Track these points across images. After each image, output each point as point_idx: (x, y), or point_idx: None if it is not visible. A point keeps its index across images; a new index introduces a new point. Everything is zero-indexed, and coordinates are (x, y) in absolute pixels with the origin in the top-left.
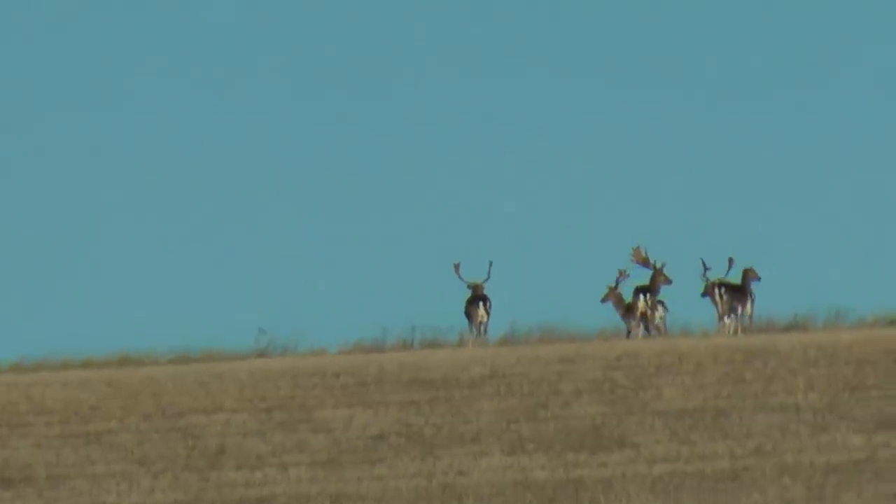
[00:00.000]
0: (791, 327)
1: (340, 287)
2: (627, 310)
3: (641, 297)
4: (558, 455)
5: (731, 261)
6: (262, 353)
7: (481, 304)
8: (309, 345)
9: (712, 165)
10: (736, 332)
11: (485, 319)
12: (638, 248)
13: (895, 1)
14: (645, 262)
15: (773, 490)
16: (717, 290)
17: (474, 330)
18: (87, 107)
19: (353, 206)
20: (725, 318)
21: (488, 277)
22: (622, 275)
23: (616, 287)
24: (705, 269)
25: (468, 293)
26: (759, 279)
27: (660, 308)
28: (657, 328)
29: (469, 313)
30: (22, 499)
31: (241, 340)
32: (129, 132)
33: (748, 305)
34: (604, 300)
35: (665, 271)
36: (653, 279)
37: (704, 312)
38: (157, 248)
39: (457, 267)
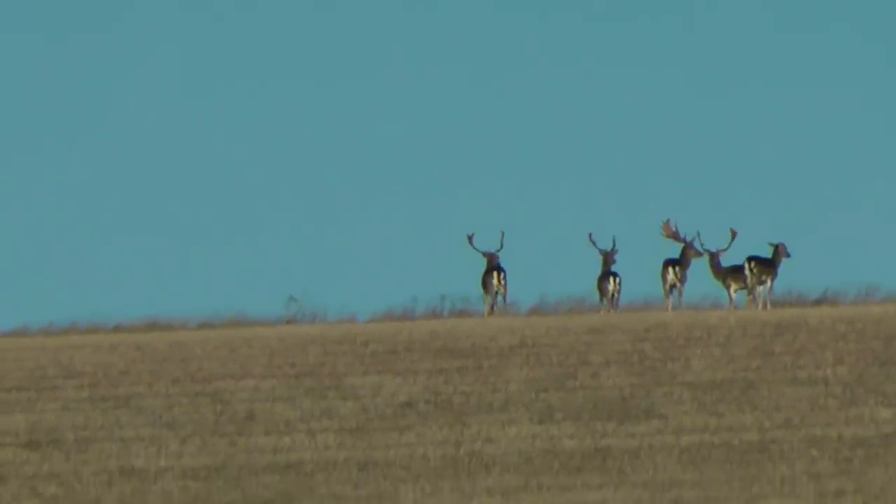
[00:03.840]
0: (821, 301)
1: (371, 255)
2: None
3: (671, 269)
4: (586, 425)
5: (733, 232)
6: (291, 320)
7: (496, 274)
8: (338, 312)
9: (742, 140)
10: (765, 305)
11: (501, 290)
12: (667, 221)
13: None
14: (674, 236)
15: (800, 463)
16: (748, 264)
17: (490, 300)
18: (120, 69)
19: (386, 175)
20: (754, 291)
21: (501, 247)
22: (590, 239)
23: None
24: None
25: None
26: (789, 256)
27: (616, 280)
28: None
29: (485, 283)
30: (49, 462)
31: (271, 307)
32: (159, 98)
33: (774, 280)
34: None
35: (695, 245)
36: (683, 252)
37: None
38: (189, 214)
39: (470, 238)
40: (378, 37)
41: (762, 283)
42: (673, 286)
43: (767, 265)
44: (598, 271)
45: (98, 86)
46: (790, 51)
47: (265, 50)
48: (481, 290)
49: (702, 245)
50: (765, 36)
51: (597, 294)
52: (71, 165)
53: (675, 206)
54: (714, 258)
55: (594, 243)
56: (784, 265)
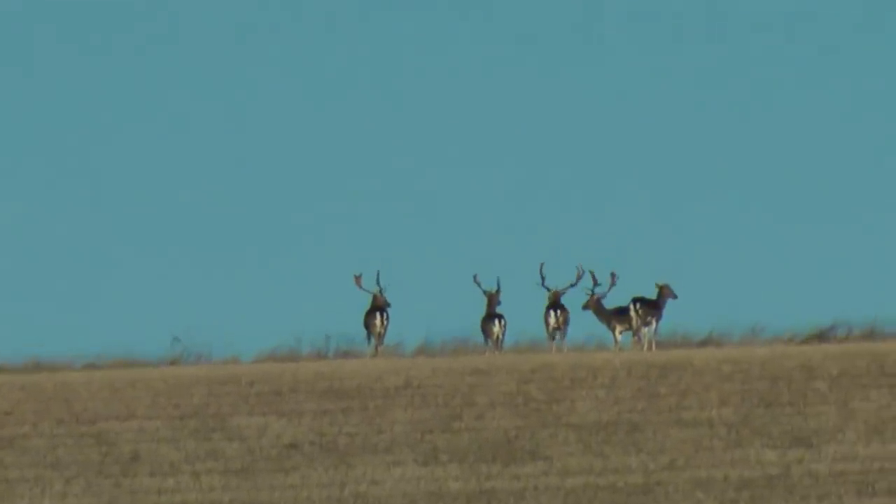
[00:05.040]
0: (706, 342)
1: (255, 296)
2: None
3: (553, 313)
4: (471, 466)
5: (613, 276)
6: (175, 361)
7: (378, 314)
8: (223, 353)
9: (626, 181)
10: (650, 346)
11: (382, 331)
12: (542, 264)
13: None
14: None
15: None
16: (633, 305)
17: (373, 340)
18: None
19: (269, 216)
20: (639, 333)
21: (381, 287)
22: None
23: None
24: (595, 283)
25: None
26: (675, 297)
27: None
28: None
29: (367, 324)
30: None
31: (155, 348)
32: (53, 138)
33: (659, 321)
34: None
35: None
36: (553, 297)
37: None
38: (72, 254)
39: (358, 278)
40: (252, 82)
41: (647, 324)
42: (556, 329)
43: (652, 306)
44: (483, 312)
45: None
46: (667, 86)
47: (152, 92)
48: (364, 331)
49: (593, 286)
50: (640, 76)
51: (482, 335)
52: None
53: (558, 248)
54: (598, 300)
55: (479, 285)
56: (669, 306)
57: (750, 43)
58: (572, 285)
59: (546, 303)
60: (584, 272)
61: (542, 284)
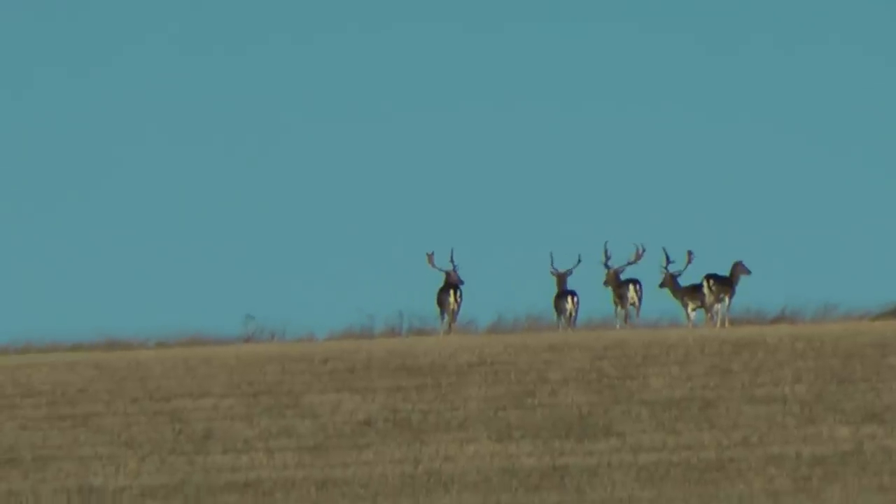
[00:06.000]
0: (779, 319)
1: (329, 274)
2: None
3: (632, 286)
4: (545, 443)
5: (690, 254)
6: (249, 339)
7: (452, 292)
8: (297, 331)
9: (700, 159)
10: (723, 323)
11: (456, 307)
12: (606, 242)
13: None
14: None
15: (758, 481)
16: (706, 282)
17: (446, 317)
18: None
19: (343, 194)
20: (712, 309)
21: (454, 265)
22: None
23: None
24: (668, 261)
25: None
26: (749, 273)
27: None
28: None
29: (441, 301)
30: (7, 480)
31: (229, 326)
32: (122, 125)
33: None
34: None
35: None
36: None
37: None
38: (146, 233)
39: (430, 256)
40: (325, 61)
41: (720, 300)
42: (632, 304)
43: (725, 283)
44: (555, 290)
45: (52, 115)
46: (741, 67)
47: (222, 76)
48: (437, 308)
49: (665, 263)
50: (709, 50)
51: (554, 313)
52: (24, 188)
53: (631, 226)
54: (672, 277)
55: (552, 263)
56: (742, 283)
57: (825, 30)
58: (629, 263)
59: (603, 279)
60: (643, 251)
61: (606, 264)
